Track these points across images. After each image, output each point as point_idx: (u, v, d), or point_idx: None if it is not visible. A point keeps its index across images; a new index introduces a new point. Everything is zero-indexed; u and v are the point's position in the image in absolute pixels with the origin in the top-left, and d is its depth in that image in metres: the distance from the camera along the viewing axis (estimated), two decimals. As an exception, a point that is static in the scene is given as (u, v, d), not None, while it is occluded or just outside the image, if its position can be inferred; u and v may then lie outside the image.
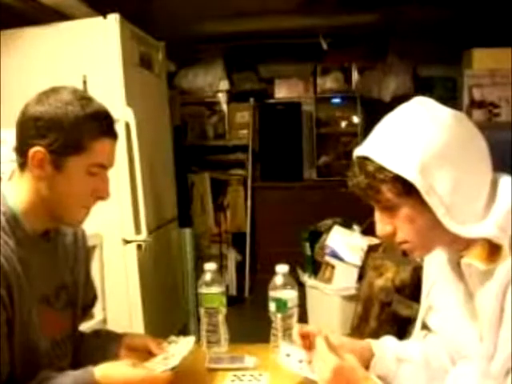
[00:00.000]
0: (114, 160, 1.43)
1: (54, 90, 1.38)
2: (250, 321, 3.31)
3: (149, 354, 1.52)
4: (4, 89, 2.87)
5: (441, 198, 1.12)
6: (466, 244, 1.16)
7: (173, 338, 1.61)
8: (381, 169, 1.16)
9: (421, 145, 1.14)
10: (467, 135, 1.18)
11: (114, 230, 2.92)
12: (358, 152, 1.22)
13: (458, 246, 1.19)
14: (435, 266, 1.34)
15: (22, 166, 1.38)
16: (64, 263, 1.51)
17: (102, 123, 1.37)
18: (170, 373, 1.38)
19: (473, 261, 1.15)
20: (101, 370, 1.34)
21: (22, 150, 1.36)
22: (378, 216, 1.24)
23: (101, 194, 1.42)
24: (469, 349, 1.23)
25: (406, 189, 1.14)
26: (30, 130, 1.34)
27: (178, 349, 1.52)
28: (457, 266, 1.25)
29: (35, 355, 1.37)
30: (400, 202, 1.17)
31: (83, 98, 1.38)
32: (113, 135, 1.40)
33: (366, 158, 1.19)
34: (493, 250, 1.12)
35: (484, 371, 1.13)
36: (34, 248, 1.39)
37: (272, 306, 1.68)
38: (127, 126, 2.86)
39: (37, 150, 1.32)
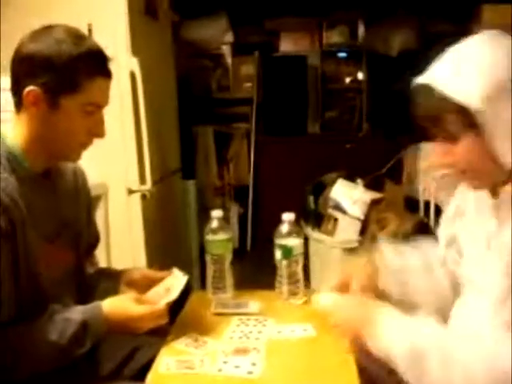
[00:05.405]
0: (109, 99, 1.43)
1: (48, 29, 1.36)
2: (253, 273, 3.34)
3: (148, 287, 1.56)
4: (5, 37, 2.81)
5: (506, 130, 1.11)
6: None
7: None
8: (445, 99, 1.14)
9: (487, 75, 1.12)
10: None
11: (119, 180, 2.92)
12: (422, 80, 1.20)
13: (505, 179, 1.20)
14: (467, 197, 1.35)
15: (18, 105, 1.37)
16: (65, 202, 1.52)
17: (95, 62, 1.36)
18: (165, 305, 1.43)
19: None
20: (108, 305, 1.39)
21: (17, 89, 1.36)
22: (437, 146, 1.23)
23: (97, 133, 1.42)
24: (489, 282, 1.23)
25: (470, 119, 1.13)
26: (24, 69, 1.33)
27: (175, 281, 1.56)
28: (492, 200, 1.26)
29: (39, 290, 1.39)
30: (462, 133, 1.16)
31: (77, 36, 1.36)
32: (107, 74, 1.39)
33: (429, 87, 1.17)
34: None
35: (502, 300, 1.15)
36: (36, 186, 1.40)
37: (278, 254, 1.70)
38: (133, 75, 2.83)
39: (31, 89, 1.32)
